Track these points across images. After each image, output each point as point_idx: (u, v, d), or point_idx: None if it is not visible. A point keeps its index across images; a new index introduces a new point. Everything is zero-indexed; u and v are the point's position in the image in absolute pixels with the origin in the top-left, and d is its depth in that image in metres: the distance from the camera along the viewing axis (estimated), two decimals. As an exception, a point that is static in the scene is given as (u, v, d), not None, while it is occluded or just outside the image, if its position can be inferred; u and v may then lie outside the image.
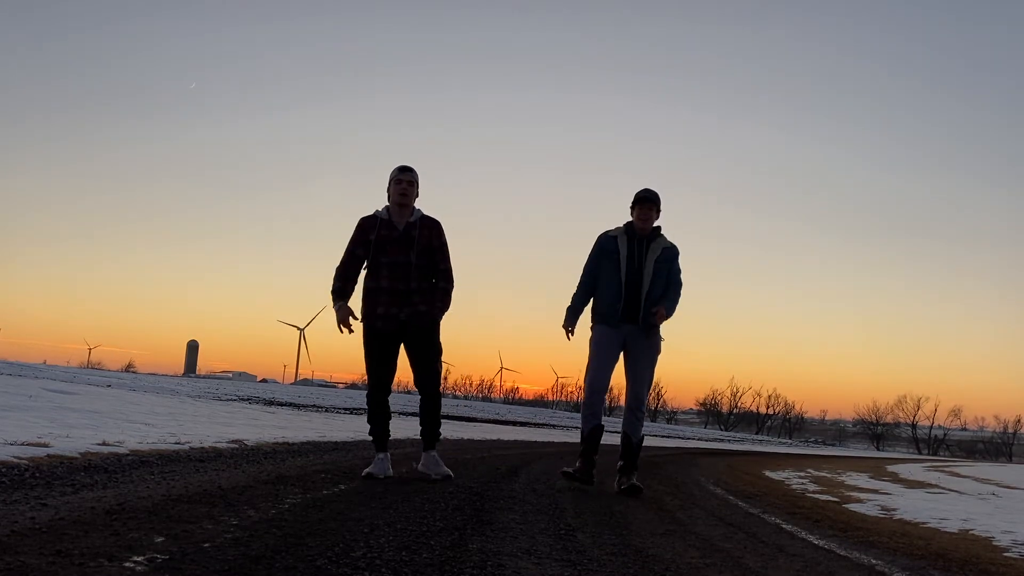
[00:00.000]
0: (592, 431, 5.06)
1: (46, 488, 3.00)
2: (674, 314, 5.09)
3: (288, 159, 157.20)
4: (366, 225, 4.59)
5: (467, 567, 2.37)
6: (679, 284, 5.13)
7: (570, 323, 5.16)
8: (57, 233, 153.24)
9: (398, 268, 4.51)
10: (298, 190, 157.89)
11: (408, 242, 4.53)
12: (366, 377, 4.68)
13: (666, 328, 5.15)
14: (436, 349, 4.63)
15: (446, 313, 4.65)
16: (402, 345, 4.59)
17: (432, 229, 4.62)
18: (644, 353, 5.03)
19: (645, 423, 5.29)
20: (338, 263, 4.64)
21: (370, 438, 4.68)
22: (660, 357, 5.13)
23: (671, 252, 5.12)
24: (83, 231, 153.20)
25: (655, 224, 5.12)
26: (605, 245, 5.13)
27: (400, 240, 4.53)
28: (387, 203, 4.63)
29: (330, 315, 4.61)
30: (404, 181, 4.56)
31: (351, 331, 4.56)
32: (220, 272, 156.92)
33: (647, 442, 6.48)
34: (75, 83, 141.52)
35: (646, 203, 5.09)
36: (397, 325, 4.51)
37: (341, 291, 4.61)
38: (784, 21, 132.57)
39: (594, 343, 5.09)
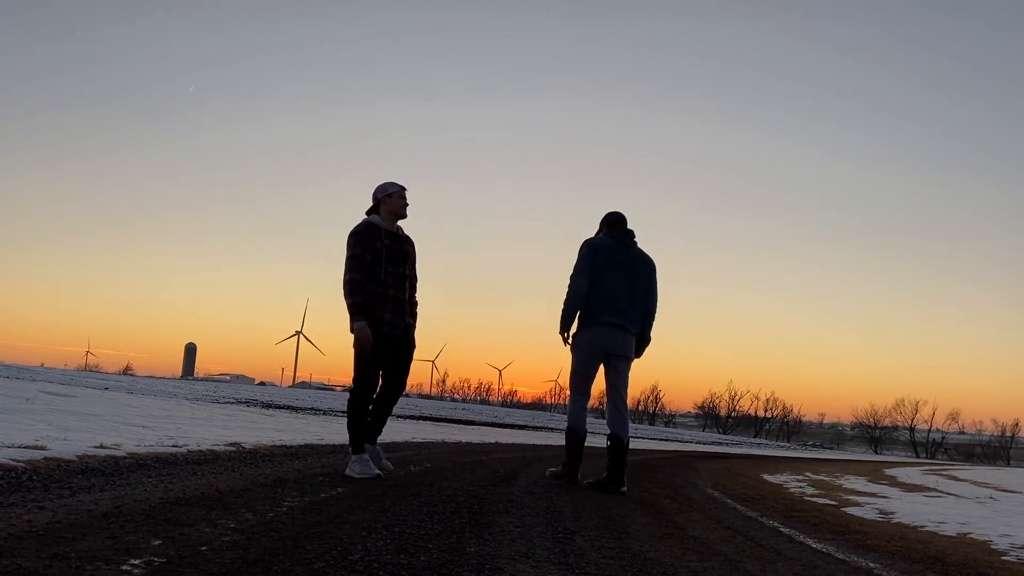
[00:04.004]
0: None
1: (43, 491, 2.99)
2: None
3: (286, 162, 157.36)
4: (371, 233, 4.63)
5: (465, 570, 2.37)
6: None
7: None
8: (55, 235, 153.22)
9: (398, 279, 4.68)
10: (296, 193, 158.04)
11: (405, 256, 4.75)
12: (355, 381, 4.62)
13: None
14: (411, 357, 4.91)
15: None
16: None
17: (414, 247, 4.90)
18: None
19: (632, 425, 5.44)
20: (351, 274, 4.52)
21: (348, 440, 4.67)
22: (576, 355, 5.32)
23: None
24: (81, 233, 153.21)
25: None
26: None
27: (400, 252, 4.72)
28: (375, 214, 4.73)
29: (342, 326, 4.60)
30: (406, 196, 4.77)
31: (371, 350, 4.52)
32: (218, 275, 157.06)
33: (645, 446, 6.50)
34: (73, 85, 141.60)
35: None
36: (401, 332, 4.67)
37: (367, 308, 4.53)
38: (780, 23, 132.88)
39: None
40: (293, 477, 4.23)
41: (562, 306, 5.20)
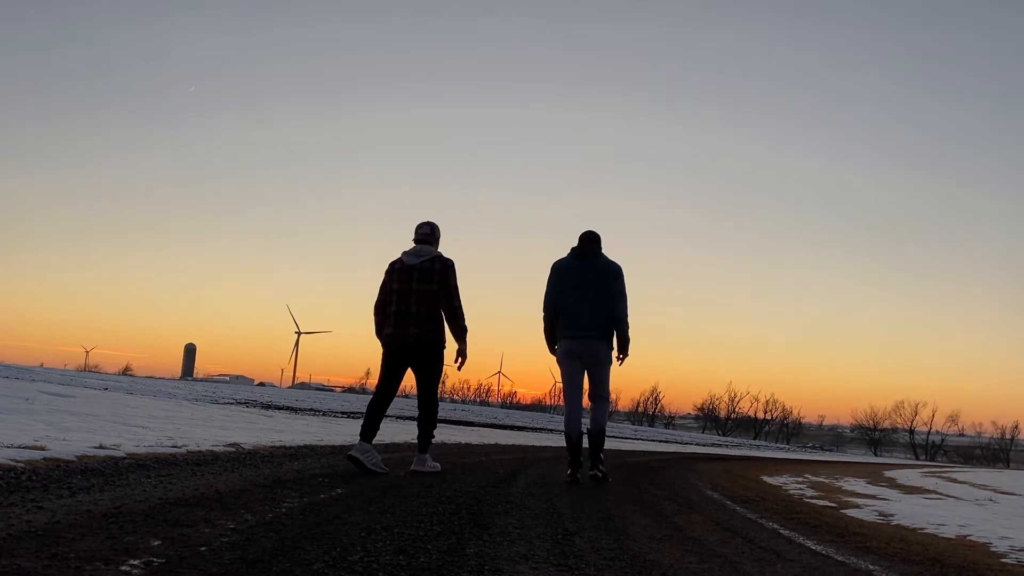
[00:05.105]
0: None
1: (42, 491, 2.99)
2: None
3: (287, 163, 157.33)
4: None
5: (464, 572, 2.37)
6: None
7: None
8: (54, 236, 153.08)
9: None
10: (297, 194, 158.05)
11: None
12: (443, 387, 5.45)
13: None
14: None
15: None
16: (404, 363, 5.34)
17: None
18: None
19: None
20: (460, 300, 5.27)
21: (428, 440, 5.66)
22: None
23: None
24: (81, 234, 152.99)
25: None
26: None
27: None
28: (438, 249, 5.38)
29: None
30: None
31: None
32: (218, 275, 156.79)
33: (644, 447, 6.64)
34: (72, 85, 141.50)
35: None
36: None
37: None
38: (780, 25, 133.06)
39: None
40: (292, 478, 4.23)
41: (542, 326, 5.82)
